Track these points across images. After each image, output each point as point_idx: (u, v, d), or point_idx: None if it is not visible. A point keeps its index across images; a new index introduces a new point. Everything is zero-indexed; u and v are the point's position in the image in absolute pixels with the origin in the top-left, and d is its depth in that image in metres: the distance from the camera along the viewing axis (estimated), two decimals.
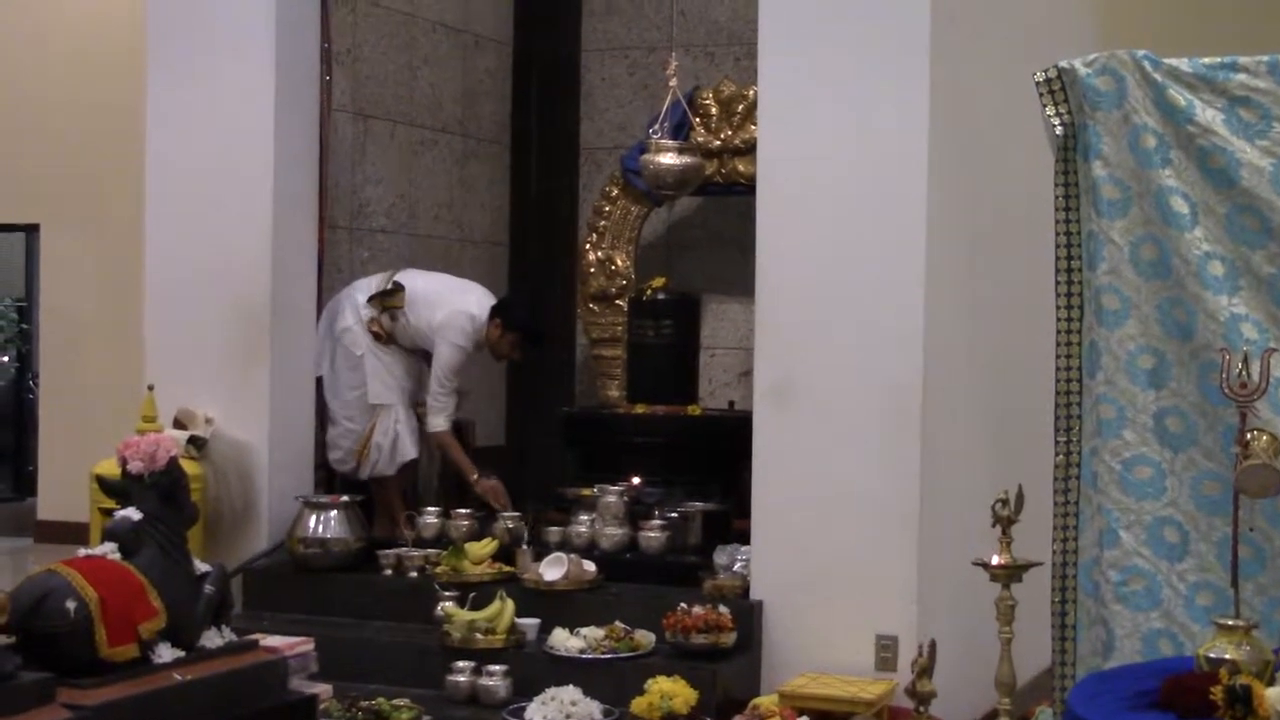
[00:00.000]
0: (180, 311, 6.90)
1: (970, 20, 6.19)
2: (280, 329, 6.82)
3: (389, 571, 6.59)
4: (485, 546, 6.55)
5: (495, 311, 7.09)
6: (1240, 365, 4.06)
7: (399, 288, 7.13)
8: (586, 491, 6.82)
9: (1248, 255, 4.42)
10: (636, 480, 6.89)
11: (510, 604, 6.06)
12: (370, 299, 7.14)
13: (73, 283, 10.32)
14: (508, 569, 6.46)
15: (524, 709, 5.59)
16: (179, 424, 6.66)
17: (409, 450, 7.20)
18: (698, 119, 7.68)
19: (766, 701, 5.49)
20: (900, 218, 5.81)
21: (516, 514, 6.82)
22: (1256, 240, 4.41)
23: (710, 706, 5.57)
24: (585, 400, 8.45)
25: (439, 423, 7.04)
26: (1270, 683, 3.52)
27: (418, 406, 7.29)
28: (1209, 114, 4.46)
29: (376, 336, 7.11)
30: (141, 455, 4.46)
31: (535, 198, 8.79)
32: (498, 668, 5.80)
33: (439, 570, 6.42)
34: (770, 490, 5.99)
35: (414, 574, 6.52)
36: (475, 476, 7.10)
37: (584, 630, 5.96)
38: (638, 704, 5.50)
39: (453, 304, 7.09)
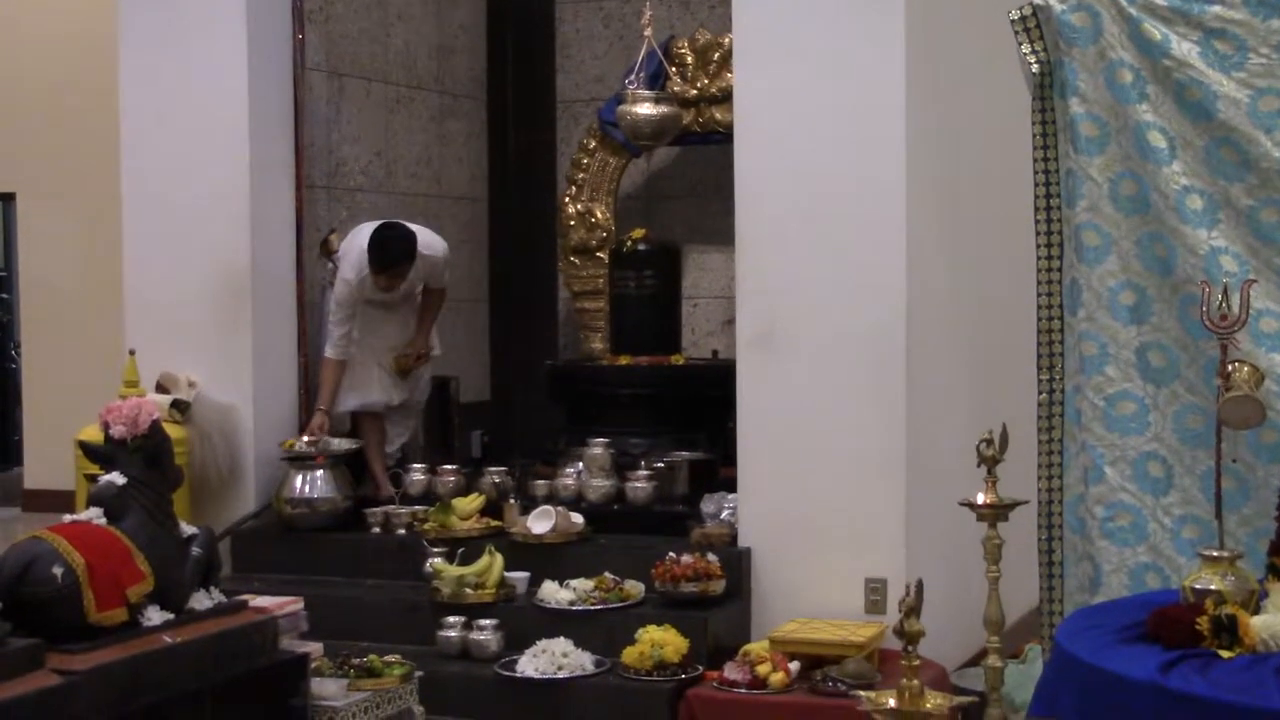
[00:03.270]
0: (160, 276, 6.88)
1: None
2: (261, 290, 6.81)
3: (377, 530, 6.60)
4: (472, 502, 6.55)
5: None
6: (1220, 298, 4.08)
7: (331, 231, 7.05)
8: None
9: (1226, 188, 4.43)
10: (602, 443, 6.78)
11: (499, 558, 6.07)
12: (321, 248, 7.10)
13: (51, 250, 10.27)
14: (495, 523, 6.46)
15: (515, 662, 5.62)
16: (161, 388, 6.66)
17: (374, 395, 7.13)
18: (674, 68, 7.64)
19: (757, 648, 5.50)
20: (879, 161, 5.78)
21: (503, 468, 6.82)
22: (1235, 173, 4.42)
23: (701, 654, 5.59)
24: (569, 353, 8.43)
25: (326, 350, 6.89)
26: (1255, 612, 3.55)
27: (399, 358, 7.19)
28: (1185, 47, 4.46)
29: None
30: (124, 420, 4.43)
31: (513, 152, 8.73)
32: (488, 622, 5.81)
33: (427, 527, 6.43)
34: (756, 438, 5.99)
35: (401, 531, 6.53)
36: (322, 409, 6.86)
37: (573, 582, 5.98)
38: (629, 654, 5.52)
39: (352, 241, 6.97)
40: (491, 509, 6.55)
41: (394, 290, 6.98)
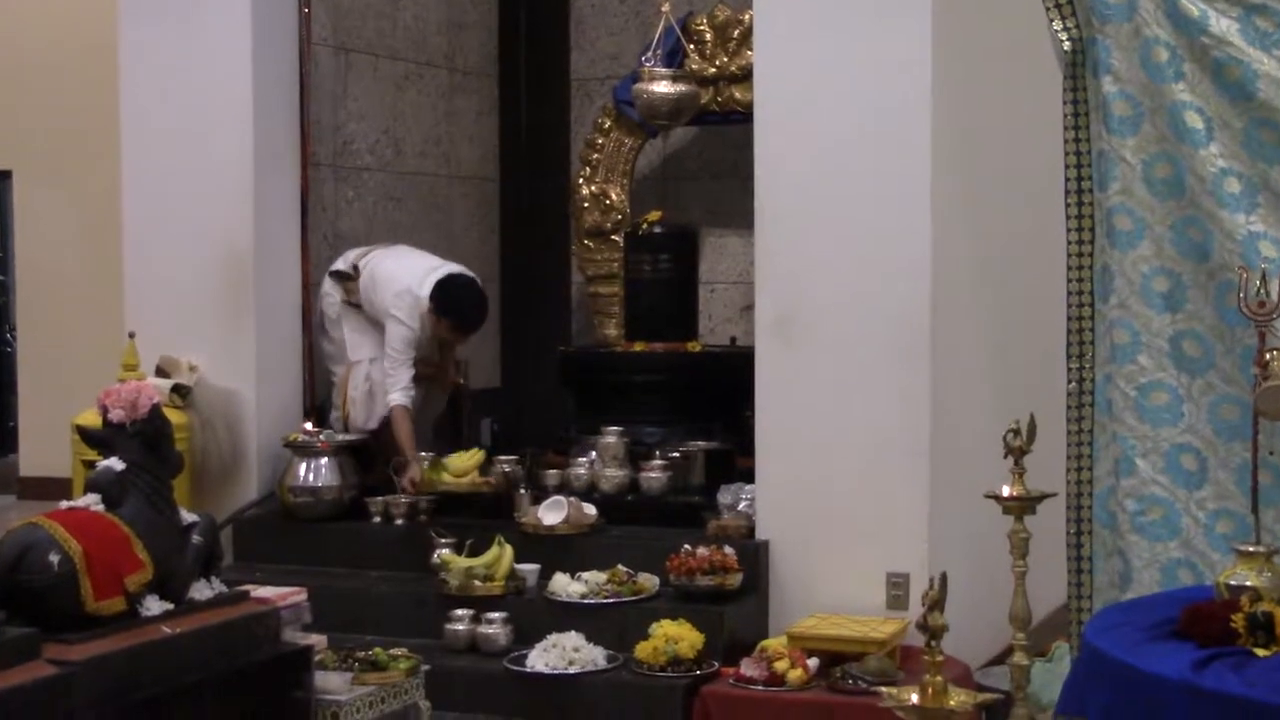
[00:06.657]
0: (161, 257, 6.85)
1: None
2: (265, 272, 6.77)
3: (379, 519, 6.54)
4: (471, 458, 6.52)
5: (430, 294, 6.89)
6: (1259, 284, 4.02)
7: (355, 274, 6.99)
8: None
9: (1266, 171, 4.37)
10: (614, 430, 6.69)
11: (509, 549, 6.03)
12: (332, 273, 7.07)
13: (48, 231, 10.23)
14: (483, 479, 6.46)
15: (525, 657, 5.59)
16: (162, 372, 6.63)
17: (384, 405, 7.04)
18: (692, 46, 7.60)
19: (775, 643, 5.46)
20: (903, 142, 5.74)
21: (514, 457, 6.75)
22: (1275, 155, 4.35)
23: (717, 650, 5.55)
24: (582, 339, 8.43)
25: (395, 397, 6.80)
26: None
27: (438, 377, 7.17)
28: (1224, 24, 4.39)
29: (347, 302, 7.03)
30: (123, 404, 4.41)
31: (525, 131, 8.72)
32: (497, 615, 5.78)
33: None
34: (774, 427, 5.95)
35: (399, 522, 6.46)
36: (412, 458, 6.72)
37: (585, 575, 5.94)
38: (642, 649, 5.49)
39: (400, 283, 6.87)
40: (500, 501, 6.47)
41: (447, 341, 7.09)
